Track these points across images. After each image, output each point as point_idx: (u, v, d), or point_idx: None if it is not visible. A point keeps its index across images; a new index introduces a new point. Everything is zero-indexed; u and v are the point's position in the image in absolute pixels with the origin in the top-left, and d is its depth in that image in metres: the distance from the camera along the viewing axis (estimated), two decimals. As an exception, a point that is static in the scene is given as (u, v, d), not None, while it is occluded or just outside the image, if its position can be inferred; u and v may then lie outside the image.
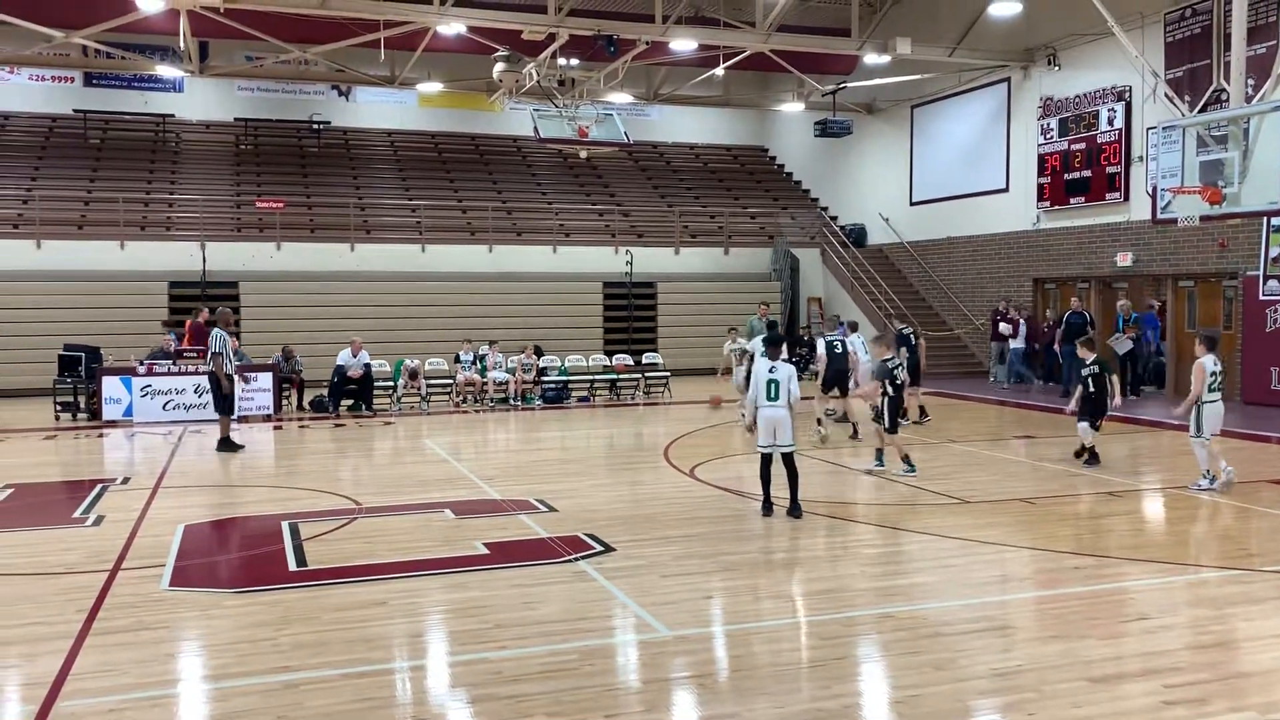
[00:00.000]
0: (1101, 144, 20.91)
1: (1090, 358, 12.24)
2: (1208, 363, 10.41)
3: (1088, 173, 21.25)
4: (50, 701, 5.24)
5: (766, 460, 9.47)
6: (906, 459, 11.65)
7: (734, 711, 5.11)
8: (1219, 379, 10.51)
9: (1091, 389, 12.11)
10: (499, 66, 21.75)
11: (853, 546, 8.49)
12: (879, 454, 12.05)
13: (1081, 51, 21.46)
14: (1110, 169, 20.71)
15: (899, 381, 11.82)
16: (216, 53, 26.92)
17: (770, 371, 9.32)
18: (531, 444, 15.34)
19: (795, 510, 9.33)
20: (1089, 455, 12.20)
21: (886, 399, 11.67)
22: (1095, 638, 6.17)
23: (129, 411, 17.06)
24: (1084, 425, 12.16)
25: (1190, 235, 18.56)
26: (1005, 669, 5.65)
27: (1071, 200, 21.71)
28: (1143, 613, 6.74)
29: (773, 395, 9.27)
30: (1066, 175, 21.80)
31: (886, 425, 11.71)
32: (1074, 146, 21.60)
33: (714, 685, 5.53)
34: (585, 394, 20.74)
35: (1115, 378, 12.38)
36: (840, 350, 15.54)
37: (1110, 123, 20.75)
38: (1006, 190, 23.71)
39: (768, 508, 9.48)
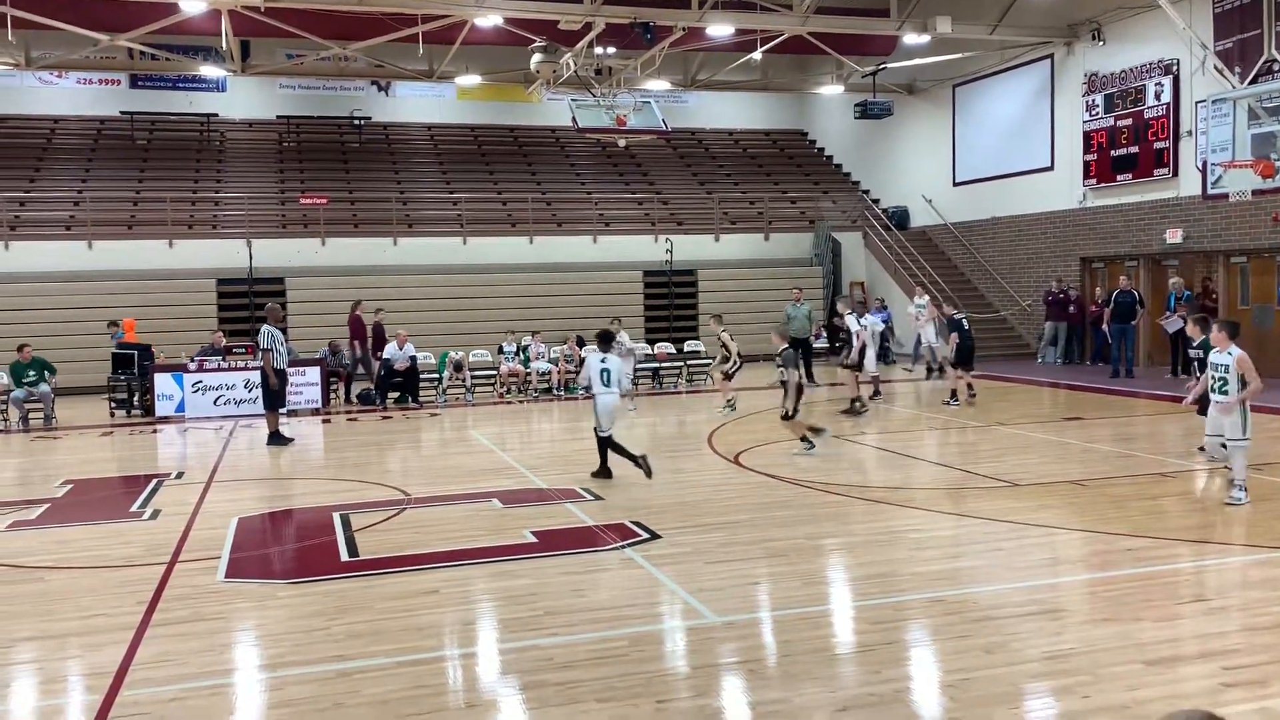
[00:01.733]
0: (1149, 119, 20.52)
1: (1199, 339, 10.41)
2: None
3: (1135, 149, 20.87)
4: (114, 690, 5.38)
5: (607, 440, 10.70)
6: (805, 438, 12.05)
7: (783, 697, 5.12)
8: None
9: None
10: (536, 57, 21.79)
11: (900, 531, 8.44)
12: (805, 439, 12.21)
13: (1126, 25, 21.05)
14: (1158, 144, 20.33)
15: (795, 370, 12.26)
16: (258, 52, 27.22)
17: (602, 362, 10.78)
18: (576, 433, 15.39)
19: (643, 466, 10.47)
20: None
21: (794, 386, 12.03)
22: (1150, 620, 6.09)
23: (181, 407, 17.38)
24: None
25: (1242, 210, 18.18)
26: (1058, 652, 5.60)
27: (1118, 177, 21.34)
28: (1198, 594, 6.65)
29: (606, 382, 10.71)
30: (1113, 152, 21.43)
31: (790, 411, 12.01)
32: (1120, 122, 21.21)
33: (763, 671, 5.54)
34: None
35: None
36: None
37: (1157, 97, 20.35)
38: (1052, 169, 23.36)
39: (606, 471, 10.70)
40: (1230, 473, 9.05)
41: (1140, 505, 9.11)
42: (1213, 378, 9.00)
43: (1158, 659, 5.49)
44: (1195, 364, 10.11)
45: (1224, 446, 9.01)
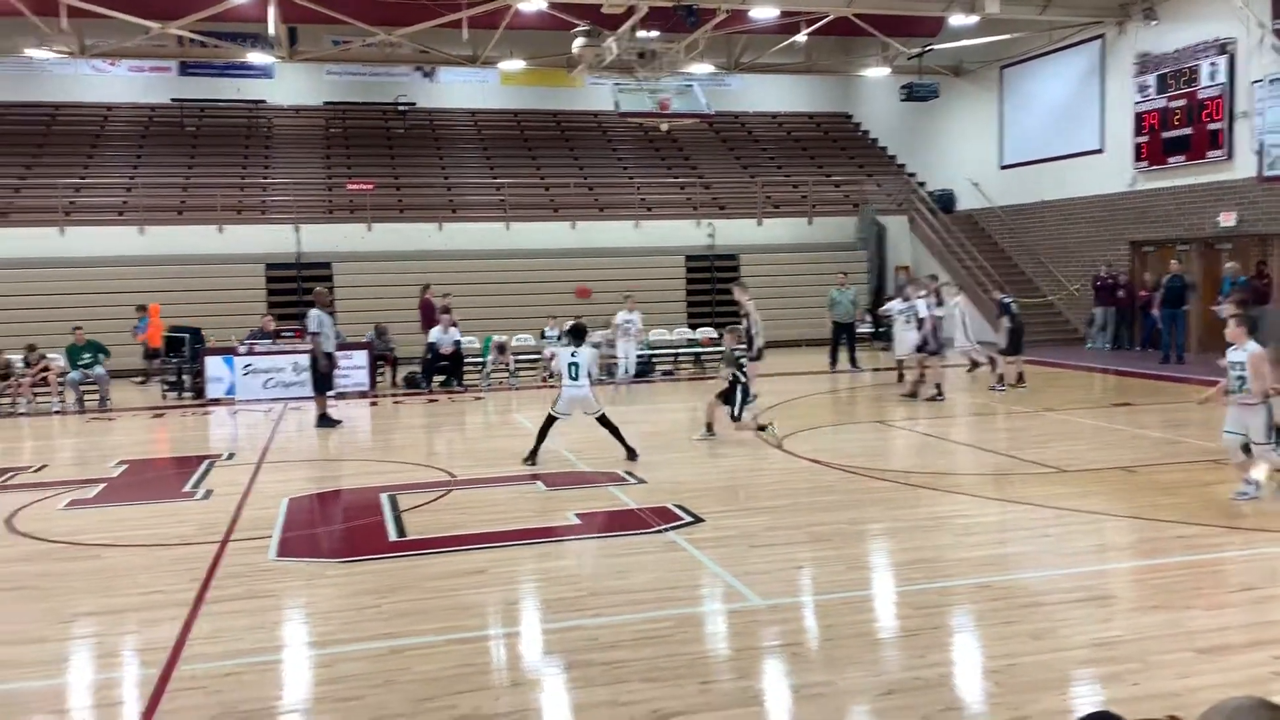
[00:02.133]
0: (1203, 100, 20.08)
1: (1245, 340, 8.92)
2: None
3: (1188, 130, 20.45)
4: (171, 665, 5.51)
5: (553, 421, 11.13)
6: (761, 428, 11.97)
7: (828, 680, 5.13)
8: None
9: None
10: (579, 41, 21.79)
11: (946, 517, 8.39)
12: (709, 427, 12.26)
13: (1180, 3, 20.60)
14: (1212, 125, 19.89)
15: (744, 369, 12.12)
16: (305, 38, 27.45)
17: (572, 356, 11.09)
18: (618, 417, 15.43)
19: (631, 454, 10.94)
20: None
21: (739, 387, 11.89)
22: (1201, 608, 6.02)
23: (231, 390, 17.67)
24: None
25: (1300, 192, 17.76)
26: (1106, 639, 5.56)
27: (1170, 159, 20.92)
28: (1248, 583, 6.55)
29: (573, 376, 11.01)
30: (1165, 133, 21.01)
31: (735, 414, 11.88)
32: (1173, 103, 20.79)
33: (807, 654, 5.55)
34: (669, 367, 20.79)
35: None
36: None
37: (1212, 77, 19.91)
38: (1101, 151, 22.96)
39: (533, 458, 10.86)
40: (1245, 467, 8.50)
41: (1191, 492, 8.98)
42: (1231, 376, 8.39)
43: (1208, 647, 5.43)
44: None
45: (1246, 449, 8.36)
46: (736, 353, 12.25)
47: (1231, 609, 6.07)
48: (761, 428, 11.94)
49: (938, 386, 15.44)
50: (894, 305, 17.40)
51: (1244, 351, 8.18)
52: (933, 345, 15.72)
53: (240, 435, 14.39)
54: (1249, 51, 18.85)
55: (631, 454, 10.98)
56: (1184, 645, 5.45)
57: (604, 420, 11.24)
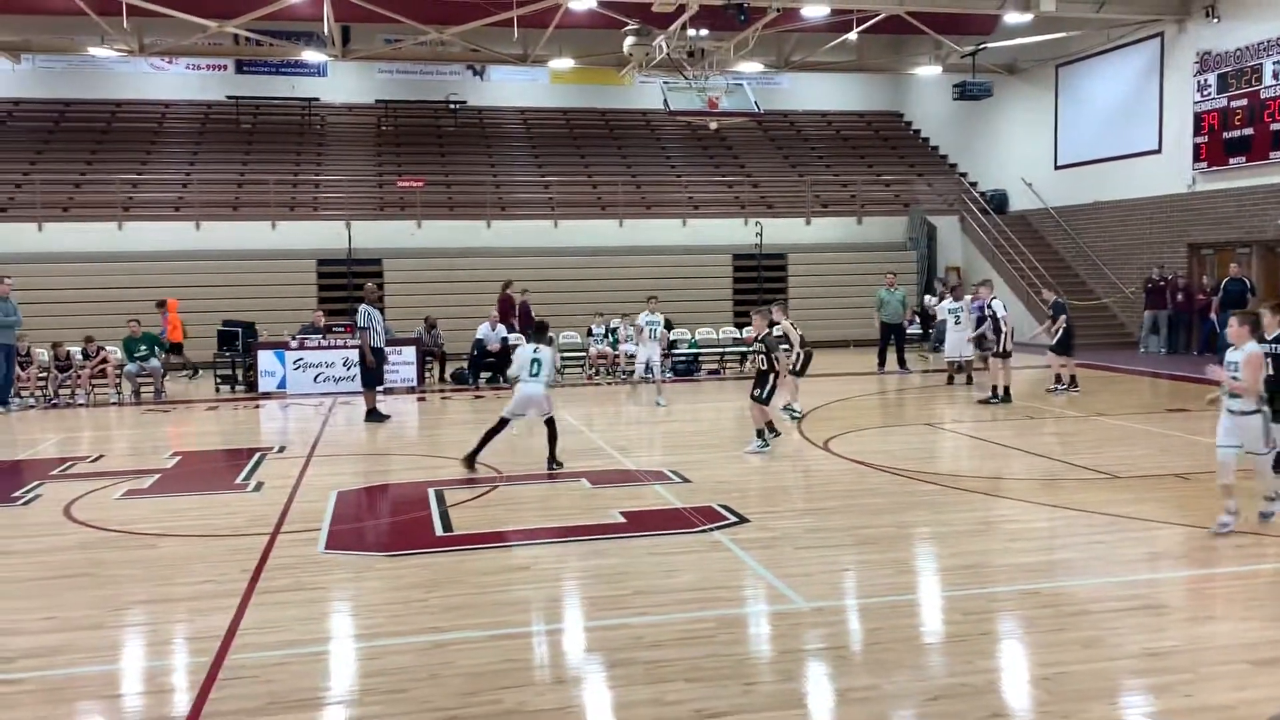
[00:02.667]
0: (1265, 100, 19.63)
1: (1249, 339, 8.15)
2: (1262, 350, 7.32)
3: (1249, 131, 19.99)
4: (222, 653, 5.61)
5: (505, 423, 10.76)
6: (768, 428, 11.58)
7: (873, 684, 5.09)
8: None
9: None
10: (629, 40, 21.81)
11: (995, 522, 8.29)
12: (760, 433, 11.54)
13: (1243, 1, 20.14)
14: (1275, 126, 19.43)
15: (776, 356, 11.61)
16: (357, 37, 27.75)
17: (534, 352, 10.76)
18: (663, 415, 15.46)
19: (554, 463, 10.63)
20: None
21: (770, 374, 11.47)
22: (1258, 619, 5.89)
23: (283, 384, 17.93)
24: None
25: (1366, 195, 17.30)
26: (1159, 649, 5.46)
27: (1231, 160, 20.47)
28: (1310, 595, 6.40)
29: (534, 373, 10.69)
30: (1225, 134, 20.56)
31: (763, 396, 11.47)
32: (1234, 103, 20.34)
33: (852, 657, 5.51)
34: (715, 367, 20.75)
35: None
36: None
37: (1276, 76, 19.45)
38: (1159, 151, 22.53)
39: (472, 462, 10.54)
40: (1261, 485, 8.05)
41: (1247, 501, 8.76)
42: (1228, 378, 7.82)
43: (1265, 659, 5.30)
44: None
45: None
46: (773, 338, 11.95)
47: (1290, 621, 5.93)
48: (787, 408, 11.73)
49: (1006, 389, 15.16)
50: (944, 305, 17.24)
51: (1242, 352, 7.66)
52: (999, 347, 15.38)
53: (291, 429, 14.59)
54: (1314, 50, 18.38)
55: (553, 464, 10.63)
56: (1240, 657, 5.33)
57: (550, 424, 10.86)
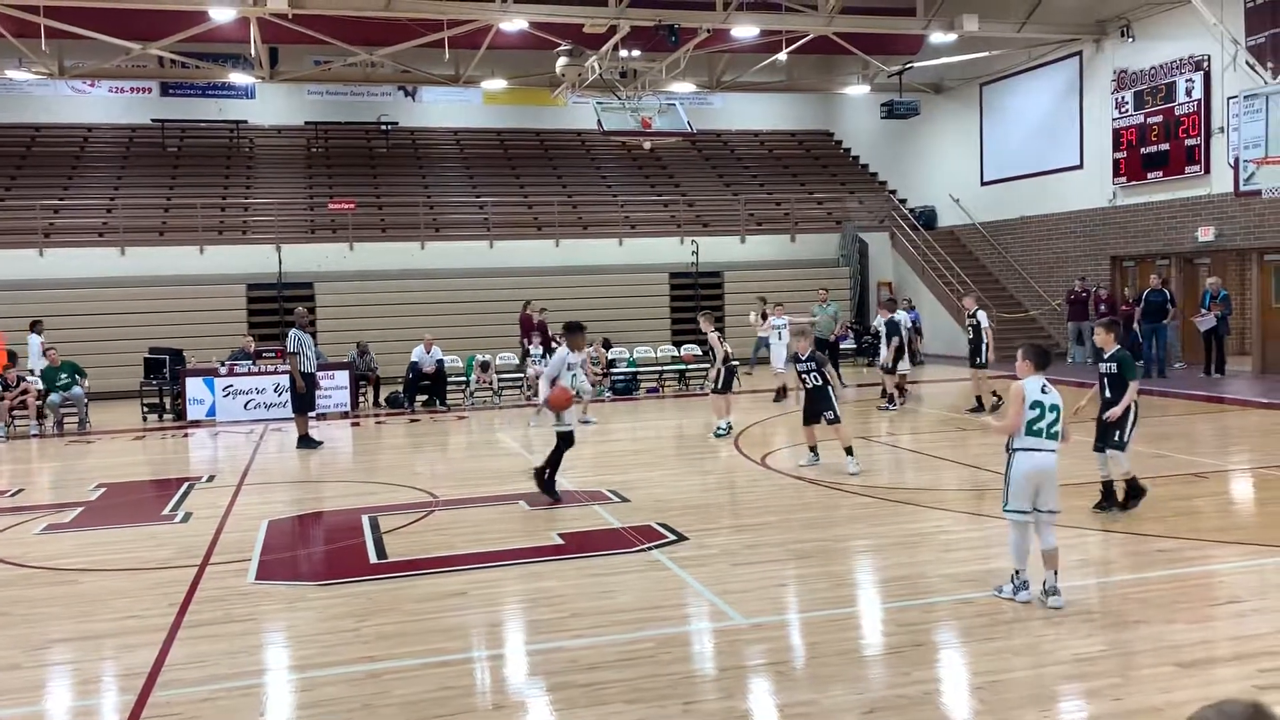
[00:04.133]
0: (1179, 116, 20.29)
1: (1112, 348, 8.65)
2: (1029, 387, 6.49)
3: (1165, 146, 20.64)
4: (147, 691, 5.44)
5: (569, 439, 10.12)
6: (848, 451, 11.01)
7: (811, 699, 5.10)
8: (1045, 417, 6.44)
9: (1108, 392, 8.66)
10: (562, 61, 21.87)
11: (929, 533, 8.38)
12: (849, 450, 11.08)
13: (1156, 21, 20.84)
14: (1189, 141, 20.09)
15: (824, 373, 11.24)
16: (286, 58, 27.47)
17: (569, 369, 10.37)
18: (602, 435, 15.42)
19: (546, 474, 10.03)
20: (1128, 491, 8.61)
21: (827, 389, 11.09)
22: (1184, 622, 6.02)
23: (212, 411, 17.55)
24: (1115, 453, 8.54)
25: (1275, 207, 17.93)
26: (1089, 654, 5.55)
27: (1149, 175, 21.11)
28: (1233, 596, 6.56)
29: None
30: (1143, 149, 21.20)
31: (833, 416, 11.03)
32: (1150, 119, 20.99)
33: (791, 673, 5.52)
34: (654, 385, 20.78)
35: (1134, 383, 8.59)
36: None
37: (1188, 94, 20.12)
38: (1081, 167, 23.15)
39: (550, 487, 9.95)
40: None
41: (1174, 506, 9.00)
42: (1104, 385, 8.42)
43: (1191, 661, 5.42)
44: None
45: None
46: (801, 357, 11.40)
47: (1215, 623, 6.07)
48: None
49: (995, 395, 15.12)
50: (879, 320, 17.54)
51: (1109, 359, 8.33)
52: (982, 358, 15.45)
53: (221, 457, 14.28)
54: (1224, 68, 19.06)
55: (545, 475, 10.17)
56: (1167, 659, 5.44)
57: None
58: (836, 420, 11.00)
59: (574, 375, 10.30)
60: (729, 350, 14.37)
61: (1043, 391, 6.44)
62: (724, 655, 5.84)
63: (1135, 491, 8.57)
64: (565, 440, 10.02)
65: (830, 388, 11.17)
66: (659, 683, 5.34)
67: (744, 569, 7.44)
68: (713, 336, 14.33)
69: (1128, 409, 8.45)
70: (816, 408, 11.09)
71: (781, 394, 17.61)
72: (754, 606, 6.56)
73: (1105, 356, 8.63)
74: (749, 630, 6.14)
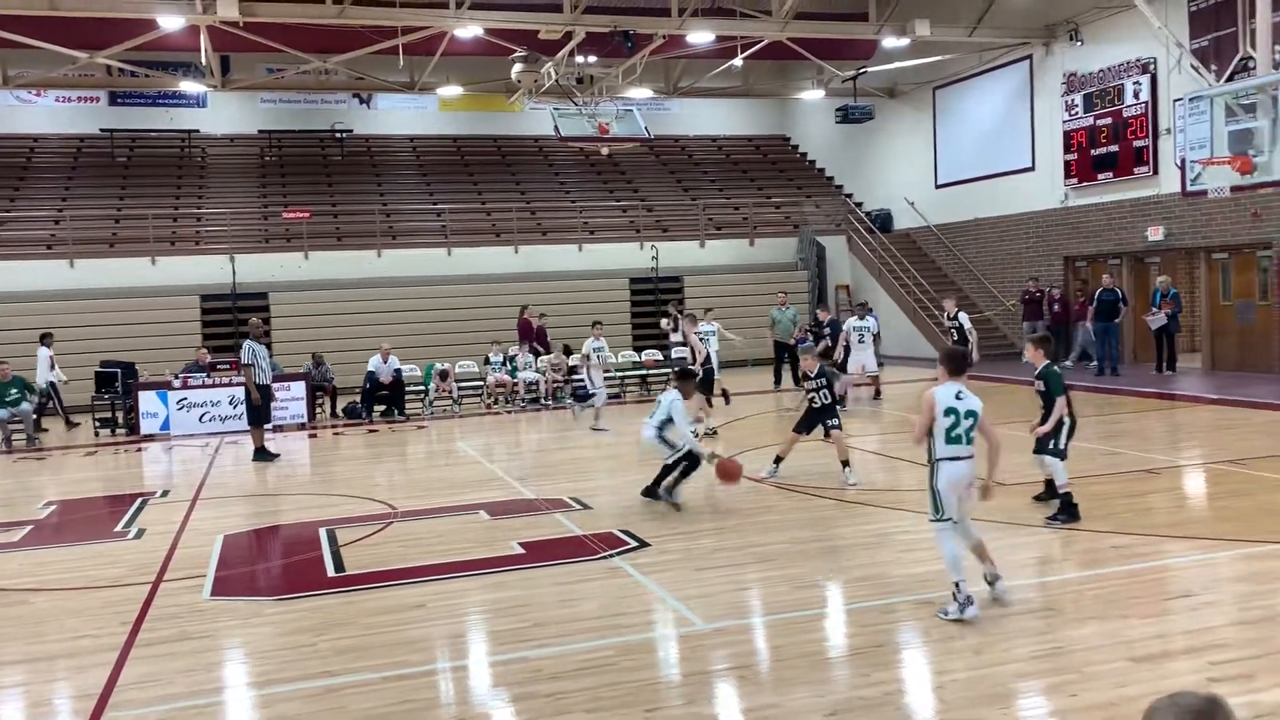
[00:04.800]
0: (1127, 118, 20.64)
1: (1041, 364, 8.75)
2: (941, 395, 6.36)
3: (1115, 148, 20.98)
4: (98, 713, 5.33)
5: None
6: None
7: (774, 702, 5.11)
8: (961, 424, 6.30)
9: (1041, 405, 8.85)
10: (517, 67, 21.80)
11: (889, 533, 8.44)
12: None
13: (1103, 25, 21.19)
14: (1138, 143, 20.44)
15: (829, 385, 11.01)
16: (238, 66, 27.16)
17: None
18: (564, 442, 15.38)
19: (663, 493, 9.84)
20: (1062, 505, 8.54)
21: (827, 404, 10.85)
22: (1138, 617, 6.11)
23: (166, 425, 17.28)
24: (1054, 462, 8.62)
25: (1222, 206, 18.29)
26: (1046, 651, 5.61)
27: (1099, 176, 21.45)
28: (1186, 590, 6.67)
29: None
30: (1093, 151, 21.54)
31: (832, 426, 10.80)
32: (1100, 121, 21.33)
33: (753, 676, 5.53)
34: (616, 391, 20.75)
35: (1061, 399, 8.58)
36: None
37: (1136, 96, 20.48)
38: (1033, 169, 23.47)
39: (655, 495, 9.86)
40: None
41: (1126, 502, 9.14)
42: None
43: (1145, 655, 5.50)
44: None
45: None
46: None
47: (1168, 617, 6.17)
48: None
49: None
50: (851, 323, 17.63)
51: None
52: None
53: (175, 471, 14.06)
54: (1169, 71, 19.42)
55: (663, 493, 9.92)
56: (1121, 655, 5.51)
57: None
58: (838, 427, 10.78)
59: (670, 424, 9.84)
60: (710, 351, 14.44)
61: (956, 398, 6.33)
62: (687, 661, 5.83)
63: (1069, 509, 8.46)
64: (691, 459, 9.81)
65: (838, 404, 11.08)
66: (621, 690, 5.33)
67: (706, 574, 7.44)
68: (693, 338, 14.41)
69: (1060, 420, 8.57)
70: (818, 419, 10.88)
71: (724, 398, 17.44)
72: (716, 611, 6.56)
73: (1035, 373, 8.77)
74: (711, 635, 6.15)
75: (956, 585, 6.17)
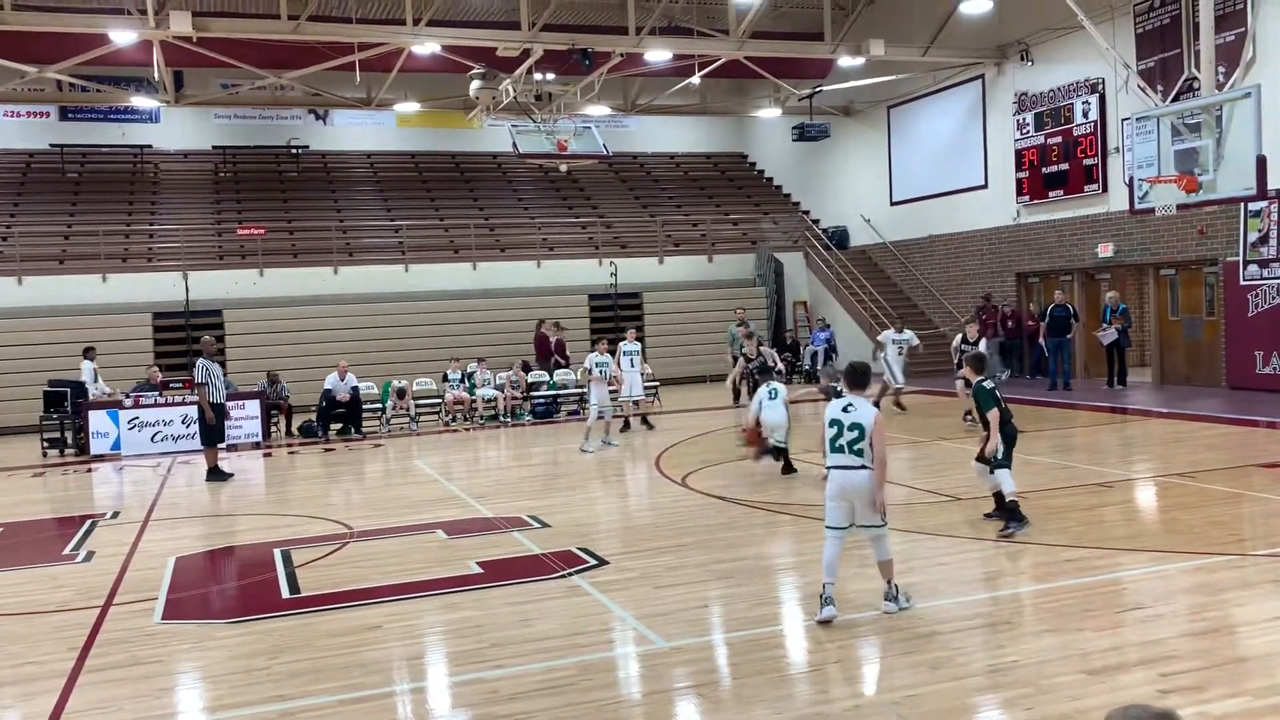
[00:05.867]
0: (1077, 137, 21.03)
1: (975, 380, 9.02)
2: (830, 407, 6.78)
3: (1065, 166, 21.37)
4: (44, 742, 5.20)
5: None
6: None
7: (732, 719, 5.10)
8: (845, 434, 6.54)
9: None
10: (475, 84, 21.79)
11: (848, 548, 8.42)
12: None
13: (1053, 45, 21.60)
14: (1087, 161, 20.83)
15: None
16: (191, 82, 26.87)
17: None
18: (523, 460, 15.31)
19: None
20: (1007, 514, 8.68)
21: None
22: (1091, 629, 6.18)
23: (117, 445, 16.97)
24: (1000, 472, 8.80)
25: (1169, 224, 18.67)
26: (1002, 665, 5.66)
27: (1050, 194, 21.82)
28: (1138, 602, 6.76)
29: (772, 397, 11.94)
30: (1044, 169, 21.91)
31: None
32: (1050, 140, 21.72)
33: (713, 694, 5.52)
34: (575, 408, 20.70)
35: (992, 414, 8.75)
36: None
37: (1085, 115, 20.88)
38: (986, 186, 23.82)
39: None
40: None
41: (1079, 516, 9.26)
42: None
43: (1099, 668, 5.56)
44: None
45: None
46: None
47: (1121, 629, 6.24)
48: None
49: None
50: (888, 335, 17.67)
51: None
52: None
53: (126, 492, 13.81)
54: (1117, 91, 19.82)
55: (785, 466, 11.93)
56: (1076, 667, 5.57)
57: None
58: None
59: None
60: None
61: (844, 411, 6.59)
62: (646, 679, 5.81)
63: (1015, 515, 8.61)
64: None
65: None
66: (581, 710, 5.29)
67: (665, 591, 7.43)
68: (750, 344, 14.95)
69: (1005, 433, 8.78)
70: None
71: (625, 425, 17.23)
72: (675, 629, 6.55)
73: (970, 391, 9.03)
74: (671, 653, 6.13)
75: (824, 585, 6.53)
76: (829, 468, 6.61)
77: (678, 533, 9.35)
